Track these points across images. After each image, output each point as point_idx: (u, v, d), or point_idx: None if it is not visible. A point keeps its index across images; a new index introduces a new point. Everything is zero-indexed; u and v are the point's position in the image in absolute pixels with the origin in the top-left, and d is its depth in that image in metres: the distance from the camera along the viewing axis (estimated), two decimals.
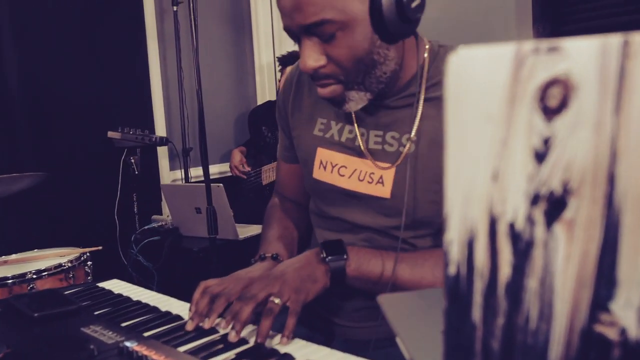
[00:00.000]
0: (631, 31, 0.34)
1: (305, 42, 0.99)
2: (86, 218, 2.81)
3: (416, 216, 1.07)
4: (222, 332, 0.90)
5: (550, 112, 0.34)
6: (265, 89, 3.88)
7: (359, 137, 1.13)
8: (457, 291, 0.38)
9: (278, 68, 3.10)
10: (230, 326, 0.88)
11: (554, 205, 0.36)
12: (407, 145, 1.07)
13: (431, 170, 1.06)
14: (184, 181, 3.26)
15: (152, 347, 0.83)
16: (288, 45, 3.67)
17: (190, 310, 0.96)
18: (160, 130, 3.28)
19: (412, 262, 1.05)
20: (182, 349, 0.84)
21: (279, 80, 3.20)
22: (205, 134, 2.14)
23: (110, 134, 2.75)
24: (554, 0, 2.55)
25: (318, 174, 1.19)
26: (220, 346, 0.84)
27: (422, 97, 1.08)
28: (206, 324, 0.91)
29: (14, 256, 2.09)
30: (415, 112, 1.08)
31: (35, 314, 0.99)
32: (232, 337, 0.86)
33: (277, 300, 0.91)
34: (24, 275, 1.84)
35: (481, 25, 2.73)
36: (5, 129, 2.67)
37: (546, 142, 0.35)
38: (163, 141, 2.83)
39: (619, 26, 2.44)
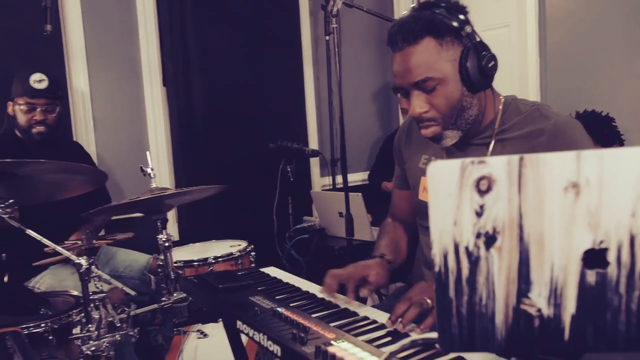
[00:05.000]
0: None
1: (413, 95, 1.39)
2: (250, 216, 3.38)
3: None
4: (342, 305, 1.29)
5: (482, 192, 0.68)
6: None
7: None
8: (440, 280, 0.72)
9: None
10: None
11: (489, 239, 0.70)
12: None
13: None
14: (332, 187, 3.72)
15: (296, 313, 1.24)
16: None
17: (323, 288, 1.39)
18: (313, 142, 3.78)
19: None
20: (314, 315, 1.24)
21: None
22: (345, 151, 2.56)
23: (271, 145, 3.28)
24: None
25: (422, 196, 1.59)
26: (339, 315, 1.23)
27: (494, 138, 1.44)
28: (334, 298, 1.33)
29: (197, 244, 2.68)
30: (488, 148, 1.45)
31: (220, 286, 1.45)
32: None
33: (429, 301, 1.24)
34: (206, 259, 2.39)
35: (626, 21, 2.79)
36: (192, 147, 3.33)
37: (481, 207, 0.69)
38: (315, 153, 3.31)
39: None
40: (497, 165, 0.67)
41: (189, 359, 2.04)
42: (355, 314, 1.25)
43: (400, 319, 1.17)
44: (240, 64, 3.50)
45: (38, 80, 2.53)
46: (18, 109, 2.55)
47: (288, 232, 3.20)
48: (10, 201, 1.65)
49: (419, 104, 1.37)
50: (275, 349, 1.10)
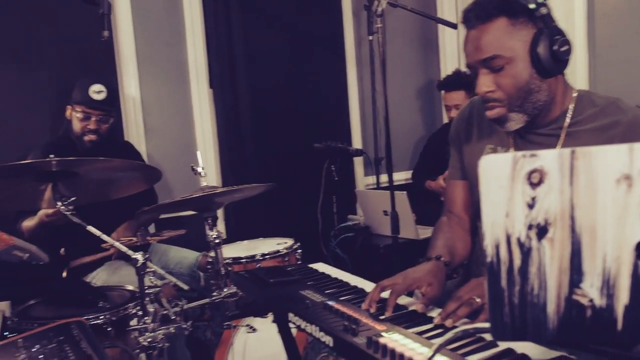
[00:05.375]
0: None
1: (480, 73, 1.38)
2: (295, 215, 3.43)
3: None
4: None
5: (534, 185, 0.70)
6: None
7: None
8: (491, 270, 0.74)
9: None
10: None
11: (541, 230, 0.72)
12: None
13: None
14: (376, 186, 3.75)
15: (346, 306, 1.27)
16: None
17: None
18: (357, 142, 3.81)
19: None
20: (363, 307, 1.27)
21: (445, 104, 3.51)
22: (391, 150, 2.58)
23: (316, 145, 3.33)
24: None
25: None
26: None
27: (565, 130, 1.41)
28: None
29: (245, 242, 2.74)
30: (559, 140, 1.41)
31: (271, 280, 1.50)
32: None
33: (478, 300, 1.20)
34: (253, 256, 2.45)
35: None
36: (238, 147, 3.41)
37: (533, 199, 0.71)
38: (359, 152, 3.34)
39: None
40: (549, 158, 0.69)
41: (239, 352, 2.11)
42: (404, 307, 1.28)
43: (449, 317, 1.18)
44: (284, 65, 3.57)
45: (97, 92, 2.61)
46: (74, 115, 2.66)
47: (333, 230, 3.24)
48: (73, 198, 1.73)
49: (485, 82, 1.37)
50: (327, 339, 1.14)
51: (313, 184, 3.40)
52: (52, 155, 1.69)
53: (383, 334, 1.08)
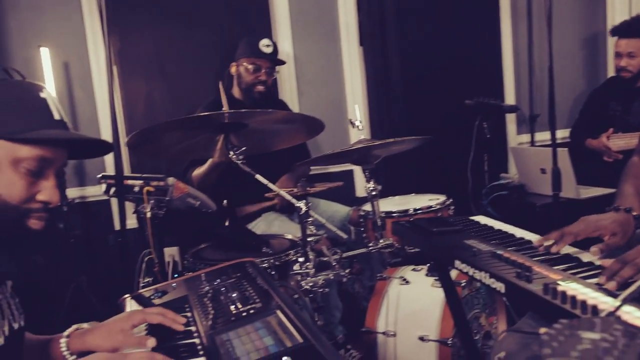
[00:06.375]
0: None
1: None
2: (445, 173, 3.39)
3: None
4: (562, 251, 1.26)
5: None
6: None
7: None
8: None
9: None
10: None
11: None
12: None
13: None
14: (530, 144, 3.58)
15: (513, 254, 1.25)
16: None
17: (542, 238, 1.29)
18: (510, 98, 3.64)
19: None
20: (535, 259, 1.23)
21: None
22: (555, 106, 2.43)
23: (467, 102, 3.23)
24: None
25: None
26: (561, 260, 1.21)
27: None
28: (553, 249, 1.26)
29: (397, 197, 2.76)
30: None
31: (434, 229, 1.50)
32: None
33: None
34: (406, 211, 2.46)
35: None
36: (388, 104, 3.42)
37: None
38: (513, 108, 3.20)
39: None
40: None
41: (393, 302, 2.15)
42: (578, 259, 1.23)
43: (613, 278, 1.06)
44: (435, 20, 3.50)
45: (266, 45, 2.83)
46: (243, 69, 2.84)
47: (484, 188, 3.16)
48: (243, 148, 1.85)
49: None
50: (498, 286, 1.13)
51: (463, 141, 3.32)
52: (224, 108, 1.81)
53: (559, 282, 1.05)
